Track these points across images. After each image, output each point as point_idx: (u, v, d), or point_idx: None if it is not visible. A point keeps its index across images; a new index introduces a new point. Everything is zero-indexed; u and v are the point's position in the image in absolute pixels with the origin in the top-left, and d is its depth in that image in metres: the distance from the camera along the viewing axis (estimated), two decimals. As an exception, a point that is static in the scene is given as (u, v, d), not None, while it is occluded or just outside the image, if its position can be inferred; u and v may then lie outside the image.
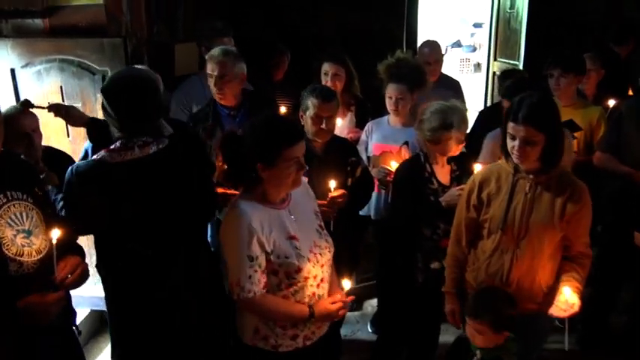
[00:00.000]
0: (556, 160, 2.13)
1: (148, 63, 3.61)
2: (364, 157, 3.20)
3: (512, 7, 5.62)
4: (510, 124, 2.10)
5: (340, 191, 2.64)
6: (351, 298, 2.12)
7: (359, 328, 3.63)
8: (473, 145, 3.71)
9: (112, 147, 2.09)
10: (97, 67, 3.10)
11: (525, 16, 5.27)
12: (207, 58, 2.98)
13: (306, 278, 2.00)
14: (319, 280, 2.05)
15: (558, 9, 5.17)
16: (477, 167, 2.56)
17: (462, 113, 2.65)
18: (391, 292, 2.99)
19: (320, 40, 4.84)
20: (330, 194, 2.60)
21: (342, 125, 3.47)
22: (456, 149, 2.67)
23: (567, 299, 2.09)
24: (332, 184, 2.60)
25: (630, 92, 4.18)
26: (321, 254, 2.06)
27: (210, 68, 2.93)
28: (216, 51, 2.97)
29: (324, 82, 3.51)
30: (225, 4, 4.99)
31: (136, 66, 2.74)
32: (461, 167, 2.73)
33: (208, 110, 3.04)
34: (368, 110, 3.61)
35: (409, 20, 5.42)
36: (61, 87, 3.13)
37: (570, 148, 2.88)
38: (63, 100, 3.13)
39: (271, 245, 1.93)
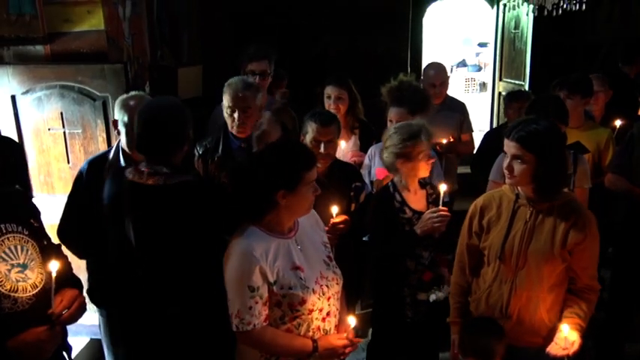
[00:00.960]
0: (553, 186, 2.07)
1: (150, 87, 3.62)
2: (367, 182, 3.15)
3: (516, 27, 5.61)
4: (505, 141, 2.09)
5: (342, 217, 2.59)
6: (359, 340, 2.02)
7: (364, 357, 3.52)
8: (479, 165, 3.68)
9: (139, 167, 2.15)
10: (98, 93, 3.09)
11: (530, 37, 5.28)
12: (226, 88, 2.82)
13: (311, 311, 1.92)
14: (325, 313, 1.97)
15: (563, 29, 5.15)
16: (442, 187, 2.50)
17: (426, 127, 2.57)
18: (383, 326, 2.86)
19: (324, 63, 4.83)
20: (332, 220, 2.56)
21: (345, 148, 3.43)
22: (426, 167, 2.57)
23: (566, 337, 2.01)
24: (334, 209, 2.56)
25: None
26: (327, 286, 1.98)
27: (232, 101, 2.78)
28: (238, 83, 2.82)
29: (327, 106, 3.49)
30: (230, 28, 5.02)
31: (168, 97, 2.67)
32: (434, 190, 2.64)
33: (222, 142, 2.90)
34: (372, 133, 3.57)
35: (413, 42, 5.44)
36: (61, 113, 3.12)
37: (586, 174, 2.81)
38: (63, 127, 3.12)
39: (275, 275, 1.87)
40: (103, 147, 3.09)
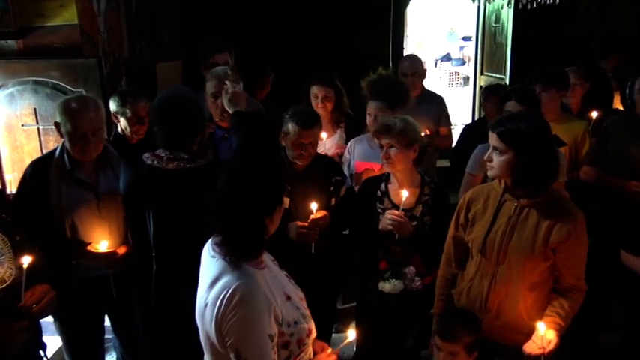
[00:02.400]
0: (533, 182, 2.07)
1: (127, 83, 3.58)
2: (347, 175, 3.15)
3: (497, 21, 5.63)
4: (489, 132, 2.11)
5: (322, 213, 2.57)
6: (337, 351, 1.89)
7: (344, 351, 3.53)
8: (458, 159, 3.70)
9: (157, 153, 2.23)
10: (72, 89, 3.06)
11: (510, 31, 5.28)
12: (210, 76, 2.88)
13: (314, 339, 1.75)
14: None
15: (543, 23, 5.18)
16: (404, 194, 2.50)
17: (408, 124, 2.55)
18: (360, 314, 2.92)
19: (307, 58, 4.81)
20: (312, 217, 2.54)
21: (330, 142, 3.44)
22: (398, 162, 2.55)
23: (543, 335, 1.99)
24: (313, 206, 2.54)
25: (619, 106, 4.16)
26: (305, 306, 1.78)
27: (215, 88, 2.82)
28: (220, 70, 2.88)
29: (314, 104, 3.45)
30: (210, 23, 4.98)
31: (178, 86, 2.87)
32: (434, 194, 2.62)
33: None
34: (358, 126, 3.57)
35: (395, 36, 5.43)
36: (35, 109, 3.08)
37: (561, 167, 2.82)
38: (37, 123, 3.08)
39: (281, 314, 1.61)
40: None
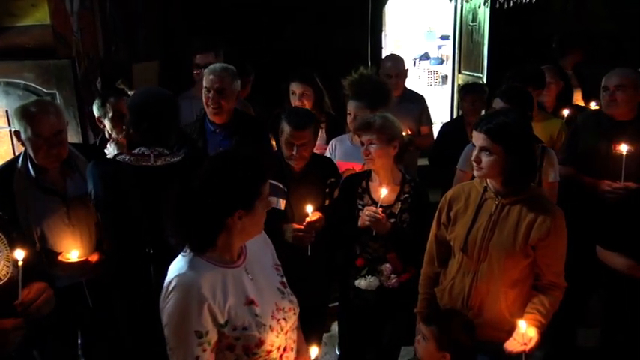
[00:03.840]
0: (520, 180, 2.08)
1: (102, 84, 3.52)
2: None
3: (474, 20, 5.68)
4: (474, 133, 2.09)
5: (317, 215, 2.57)
6: None
7: (326, 351, 3.53)
8: (437, 158, 3.72)
9: (135, 152, 2.26)
10: (45, 90, 2.99)
11: (487, 30, 5.34)
12: (206, 72, 2.97)
13: (269, 352, 1.67)
14: (282, 349, 1.73)
15: (519, 22, 5.24)
16: (383, 192, 2.51)
17: (387, 120, 2.57)
18: (341, 312, 2.94)
19: (286, 58, 4.79)
20: (307, 219, 2.54)
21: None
22: (378, 158, 2.55)
23: (524, 333, 2.00)
24: (309, 209, 2.54)
25: (580, 102, 4.21)
26: (285, 319, 1.73)
27: (209, 82, 2.91)
28: (216, 65, 2.98)
29: (292, 102, 3.48)
30: (188, 24, 4.93)
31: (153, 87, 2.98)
32: (415, 193, 2.62)
33: (197, 126, 3.05)
34: (340, 126, 3.56)
35: (373, 35, 5.44)
36: (7, 111, 3.00)
37: (552, 167, 2.85)
38: (9, 125, 3.00)
39: (226, 315, 1.60)
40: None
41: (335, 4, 5.21)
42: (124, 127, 2.83)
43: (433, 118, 4.07)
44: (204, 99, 2.97)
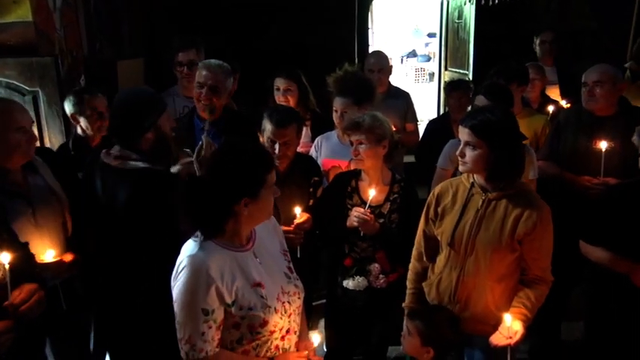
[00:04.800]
0: (505, 175, 2.09)
1: (86, 81, 3.49)
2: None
3: (460, 17, 5.70)
4: (460, 128, 2.11)
5: (305, 216, 2.57)
6: (320, 359, 1.95)
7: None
8: (424, 155, 3.74)
9: (112, 150, 2.24)
10: (27, 88, 2.96)
11: (473, 26, 5.35)
12: (200, 66, 2.94)
13: (272, 332, 1.77)
14: (285, 331, 1.82)
15: (505, 19, 5.28)
16: (372, 192, 2.51)
17: (376, 120, 2.55)
18: (329, 312, 2.92)
19: (273, 56, 4.78)
20: (296, 221, 2.54)
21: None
22: (368, 158, 2.55)
23: (509, 327, 2.02)
24: (297, 210, 2.54)
25: (557, 98, 4.25)
26: (289, 302, 1.82)
27: (203, 77, 2.87)
28: (211, 61, 2.94)
29: (276, 98, 3.47)
30: (174, 21, 4.90)
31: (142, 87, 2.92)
32: (404, 192, 2.62)
33: (186, 121, 3.04)
34: (325, 124, 3.57)
35: (360, 32, 5.44)
36: (-12, 109, 2.95)
37: (532, 164, 2.87)
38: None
39: (233, 295, 1.69)
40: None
41: (321, 1, 5.21)
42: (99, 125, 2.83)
43: (421, 116, 4.10)
44: (195, 94, 2.93)
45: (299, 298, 1.88)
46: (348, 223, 2.54)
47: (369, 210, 2.50)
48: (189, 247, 1.72)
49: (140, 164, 2.18)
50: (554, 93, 4.19)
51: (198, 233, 1.73)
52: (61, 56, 3.16)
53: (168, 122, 2.30)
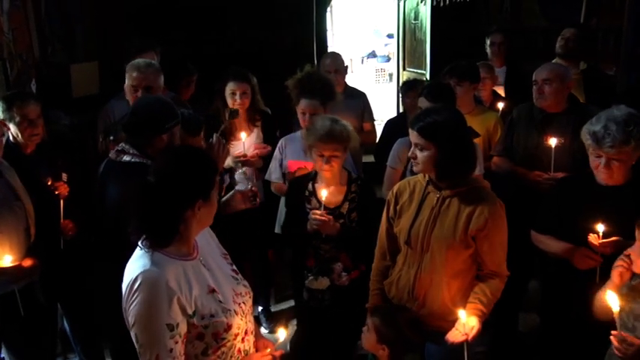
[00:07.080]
0: (455, 172, 2.14)
1: (37, 85, 3.40)
2: (279, 174, 3.16)
3: (416, 18, 5.80)
4: (409, 130, 2.16)
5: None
6: (281, 352, 1.92)
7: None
8: (382, 154, 3.77)
9: (118, 147, 2.33)
10: (-26, 93, 2.85)
11: (429, 27, 5.44)
12: (130, 68, 2.87)
13: (237, 335, 1.73)
14: (244, 332, 1.79)
15: (460, 18, 5.37)
16: (324, 193, 2.54)
17: (346, 128, 2.60)
18: (298, 313, 2.97)
19: (230, 57, 4.75)
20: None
21: (248, 142, 3.39)
22: (338, 166, 2.59)
23: (464, 323, 2.05)
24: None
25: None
26: (244, 303, 1.81)
27: (135, 79, 2.82)
28: (139, 62, 2.90)
29: (231, 102, 3.41)
30: (132, 23, 4.81)
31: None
32: (362, 191, 2.65)
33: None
34: (275, 124, 3.56)
35: (318, 34, 5.46)
36: None
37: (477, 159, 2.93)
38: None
39: (193, 306, 1.63)
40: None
41: (280, 2, 5.21)
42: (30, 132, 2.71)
43: (381, 116, 4.15)
44: (131, 97, 2.86)
45: (250, 297, 1.87)
46: (308, 228, 2.55)
47: (325, 211, 2.52)
48: (139, 263, 1.62)
49: (135, 159, 2.25)
50: (503, 92, 4.29)
51: (142, 247, 1.65)
52: (9, 60, 3.07)
53: (179, 133, 2.35)
